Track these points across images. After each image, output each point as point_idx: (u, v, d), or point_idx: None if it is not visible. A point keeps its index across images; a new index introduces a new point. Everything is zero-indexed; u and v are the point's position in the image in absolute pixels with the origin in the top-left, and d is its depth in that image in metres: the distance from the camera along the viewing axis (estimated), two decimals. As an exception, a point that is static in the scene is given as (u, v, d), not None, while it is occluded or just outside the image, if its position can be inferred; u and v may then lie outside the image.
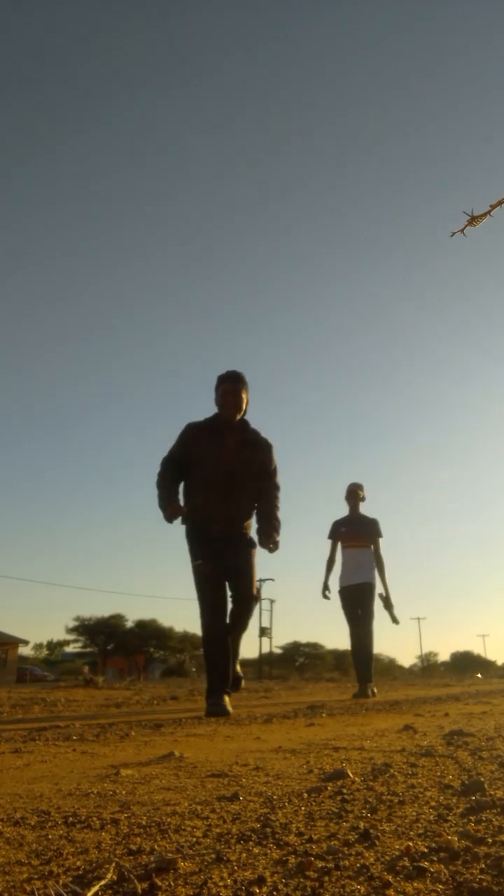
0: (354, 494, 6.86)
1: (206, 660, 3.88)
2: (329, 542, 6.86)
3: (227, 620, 3.98)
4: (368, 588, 6.54)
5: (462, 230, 1.09)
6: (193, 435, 4.08)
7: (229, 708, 3.68)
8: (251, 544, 4.10)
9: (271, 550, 4.07)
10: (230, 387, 4.05)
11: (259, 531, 4.12)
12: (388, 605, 6.54)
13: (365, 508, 6.91)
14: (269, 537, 4.05)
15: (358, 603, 6.48)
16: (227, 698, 3.72)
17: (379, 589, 6.55)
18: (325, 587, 6.61)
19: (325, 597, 6.60)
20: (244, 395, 4.09)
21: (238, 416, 4.07)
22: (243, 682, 4.32)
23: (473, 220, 1.09)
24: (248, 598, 3.99)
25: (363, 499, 6.89)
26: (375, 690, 6.40)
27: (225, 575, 4.00)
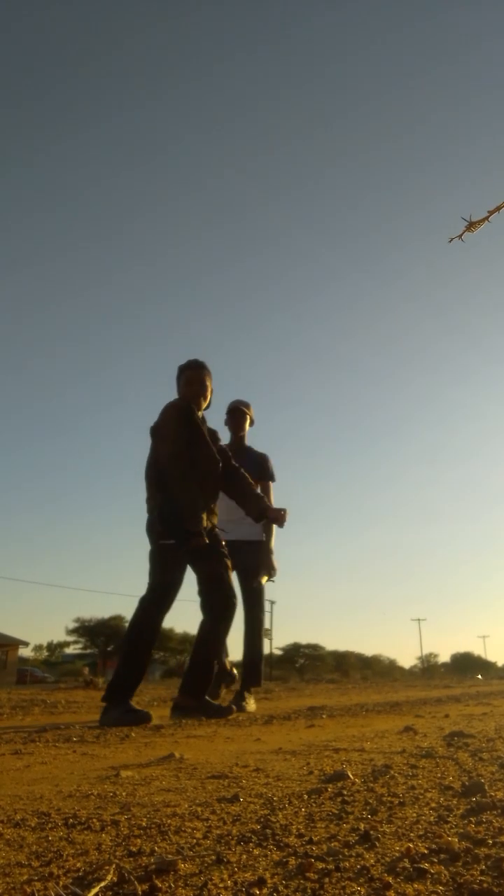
0: (239, 414, 4.60)
1: (130, 652, 3.30)
2: None
3: (210, 623, 3.53)
4: (254, 549, 4.37)
5: (460, 236, 1.09)
6: (195, 416, 3.64)
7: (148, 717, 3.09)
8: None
9: (282, 523, 3.82)
10: (195, 374, 3.75)
11: (264, 510, 3.79)
12: (267, 561, 4.49)
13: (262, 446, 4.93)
14: (278, 512, 3.80)
15: (238, 572, 4.24)
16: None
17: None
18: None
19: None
20: (209, 384, 3.80)
21: (204, 406, 3.79)
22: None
23: (471, 225, 1.09)
24: (231, 605, 3.60)
25: (252, 422, 4.72)
26: (253, 702, 4.44)
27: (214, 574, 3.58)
